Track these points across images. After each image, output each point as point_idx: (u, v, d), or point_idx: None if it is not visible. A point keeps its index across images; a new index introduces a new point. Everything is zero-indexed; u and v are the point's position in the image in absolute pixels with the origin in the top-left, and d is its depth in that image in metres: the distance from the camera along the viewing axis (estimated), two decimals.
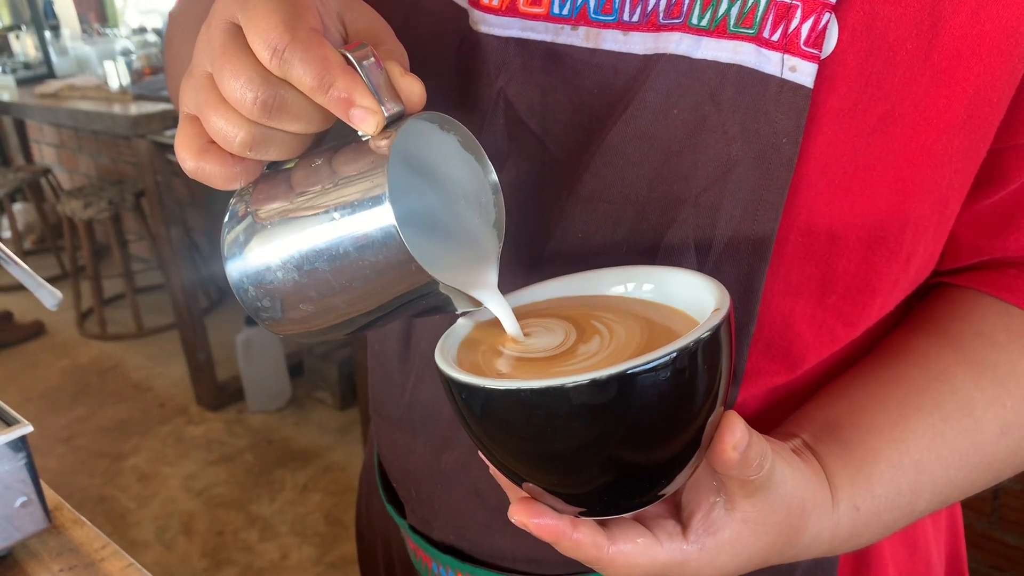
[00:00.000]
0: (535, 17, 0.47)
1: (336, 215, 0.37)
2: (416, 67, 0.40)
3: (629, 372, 0.32)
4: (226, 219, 0.42)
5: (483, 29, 0.48)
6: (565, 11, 0.46)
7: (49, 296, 0.69)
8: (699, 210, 0.44)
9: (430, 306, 0.41)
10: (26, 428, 0.67)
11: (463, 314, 0.44)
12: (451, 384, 0.36)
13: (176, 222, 2.66)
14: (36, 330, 3.64)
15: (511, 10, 0.47)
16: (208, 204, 3.67)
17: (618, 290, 0.44)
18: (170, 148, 2.54)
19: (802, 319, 0.47)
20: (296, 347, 2.97)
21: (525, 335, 0.41)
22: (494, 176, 0.43)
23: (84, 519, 0.73)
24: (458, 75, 0.49)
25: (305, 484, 2.46)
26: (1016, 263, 0.51)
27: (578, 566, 0.52)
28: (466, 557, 0.58)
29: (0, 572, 0.66)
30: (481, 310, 0.43)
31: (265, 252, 0.40)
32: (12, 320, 3.63)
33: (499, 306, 0.41)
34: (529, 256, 0.49)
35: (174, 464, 2.62)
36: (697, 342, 0.33)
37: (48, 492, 0.73)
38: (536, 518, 0.38)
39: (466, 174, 0.44)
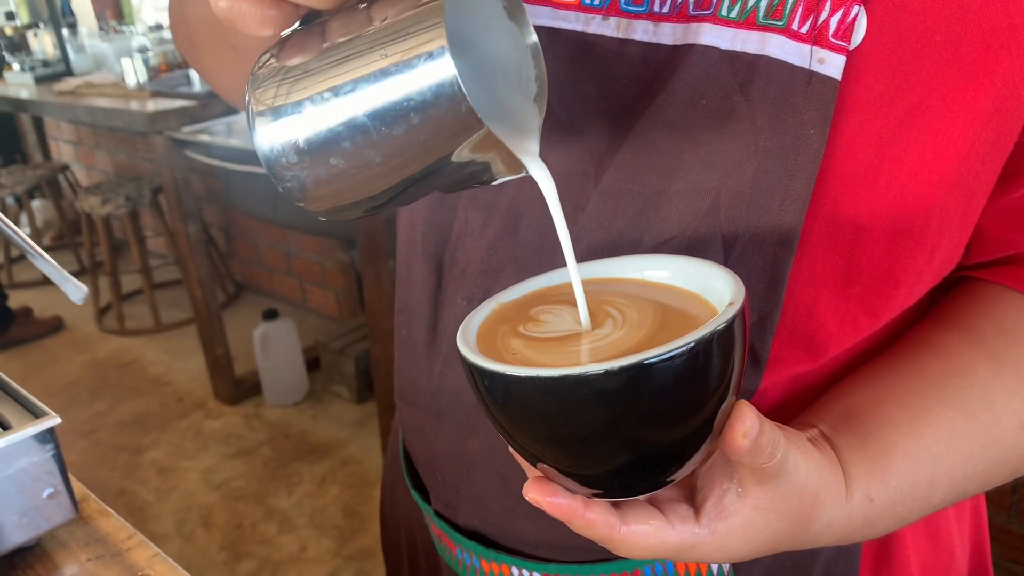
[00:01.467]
0: (566, 6, 0.47)
1: (385, 59, 0.34)
2: None
3: (645, 362, 0.32)
4: (254, 74, 0.39)
5: None
6: (596, 2, 0.46)
7: (75, 290, 0.70)
8: (725, 200, 0.44)
9: (468, 173, 0.38)
10: (54, 420, 0.68)
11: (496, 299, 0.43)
12: (471, 368, 0.37)
13: (193, 218, 2.68)
14: (55, 325, 3.67)
15: None
16: (226, 199, 3.69)
17: (633, 275, 0.44)
18: (188, 145, 2.56)
19: (826, 309, 0.47)
20: (313, 341, 2.99)
21: (539, 320, 0.42)
22: (534, 37, 0.41)
23: (110, 510, 0.74)
24: None
25: (323, 477, 2.48)
26: None
27: (601, 553, 0.52)
28: (490, 543, 0.58)
29: (29, 561, 0.67)
30: (503, 293, 0.44)
31: (300, 104, 0.37)
32: (32, 316, 3.66)
33: (540, 171, 0.40)
34: (553, 245, 0.49)
35: (193, 458, 2.64)
36: (712, 334, 0.33)
37: (75, 483, 0.74)
38: (550, 496, 0.39)
39: (507, 47, 0.42)
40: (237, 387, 2.93)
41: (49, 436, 0.69)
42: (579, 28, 0.47)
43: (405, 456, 0.69)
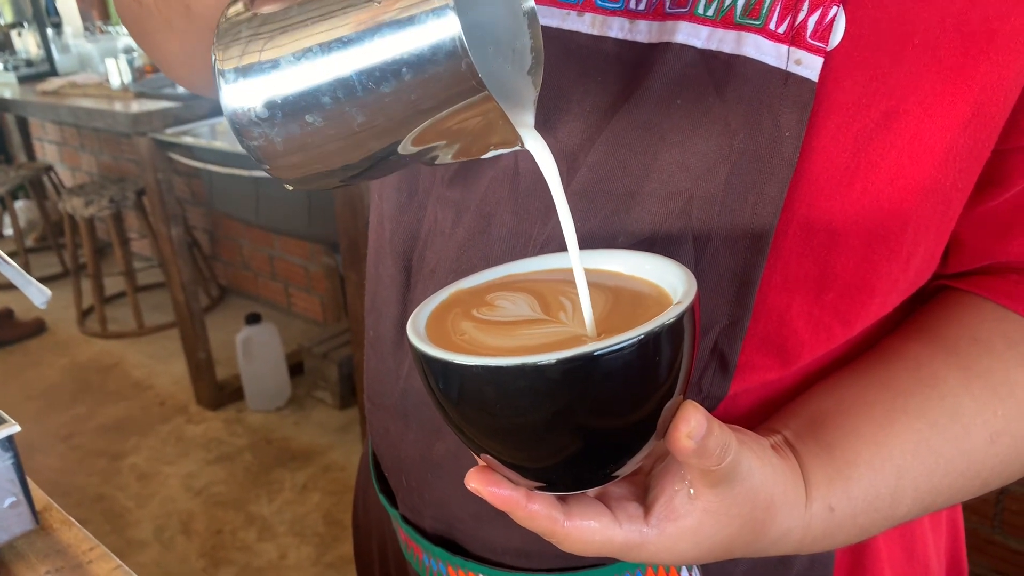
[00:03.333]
0: (542, 1, 0.46)
1: (379, 9, 0.31)
2: None
3: (594, 354, 0.32)
4: (222, 26, 0.36)
5: None
6: None
7: (38, 293, 0.68)
8: (698, 202, 0.43)
9: (456, 143, 0.36)
10: (13, 428, 0.66)
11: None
12: (415, 352, 0.37)
13: (177, 221, 2.65)
14: (37, 328, 3.64)
15: None
16: (209, 202, 3.67)
17: (594, 266, 0.44)
18: (171, 146, 2.54)
19: (799, 315, 0.47)
20: (296, 347, 2.97)
21: (494, 305, 0.41)
22: (531, 3, 0.39)
23: (73, 520, 0.72)
24: None
25: (304, 484, 2.46)
26: (1018, 268, 0.50)
27: (570, 560, 0.51)
28: (457, 549, 0.57)
29: None
30: (464, 279, 0.43)
31: (278, 51, 0.34)
32: (13, 318, 3.62)
33: (537, 143, 0.38)
34: (527, 248, 0.48)
35: (173, 463, 2.61)
36: (660, 328, 0.33)
37: (37, 493, 0.72)
38: (492, 487, 0.38)
39: (501, 12, 0.39)
40: (219, 392, 2.91)
41: (9, 444, 0.67)
42: (554, 24, 0.46)
43: (374, 459, 0.68)
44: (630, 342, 0.32)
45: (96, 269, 3.46)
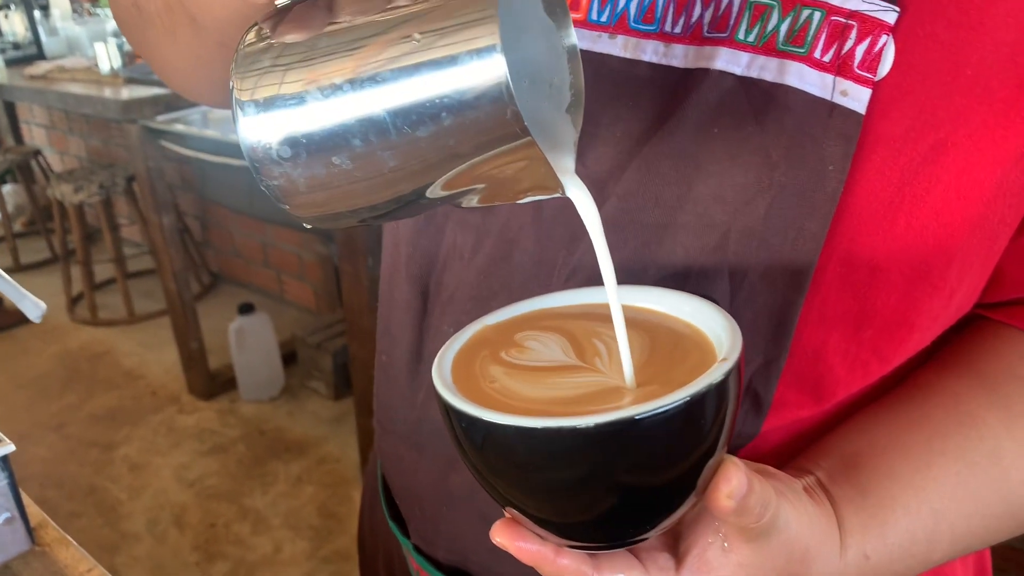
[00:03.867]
0: (572, 22, 0.44)
1: (418, 49, 0.29)
2: None
3: (635, 418, 0.30)
4: (240, 52, 0.33)
5: None
6: (604, 18, 0.43)
7: (33, 307, 0.66)
8: (735, 236, 0.41)
9: (490, 187, 0.33)
10: (8, 447, 0.64)
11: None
12: (439, 400, 0.35)
13: (167, 208, 2.61)
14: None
15: None
16: (200, 190, 3.62)
17: (633, 302, 0.42)
18: (162, 134, 2.50)
19: (835, 352, 0.45)
20: (290, 336, 2.94)
21: (523, 346, 0.39)
22: (574, 39, 0.36)
23: (70, 538, 0.70)
24: None
25: (299, 476, 2.44)
26: None
27: None
28: None
29: None
30: (490, 315, 0.41)
31: (302, 91, 0.31)
32: (2, 304, 3.58)
33: (579, 191, 0.35)
34: (551, 277, 0.46)
35: (166, 454, 2.59)
36: (707, 389, 0.31)
37: (32, 509, 0.70)
38: (519, 541, 0.37)
39: (540, 47, 0.37)
40: (212, 381, 2.88)
41: (3, 464, 0.64)
42: (584, 46, 0.44)
43: (384, 483, 0.66)
44: (674, 406, 0.31)
45: (86, 256, 3.42)
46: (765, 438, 0.48)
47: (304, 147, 0.32)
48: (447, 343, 0.40)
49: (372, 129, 0.30)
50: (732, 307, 0.42)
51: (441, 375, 0.36)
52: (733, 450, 0.47)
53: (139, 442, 2.67)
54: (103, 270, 3.71)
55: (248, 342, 2.74)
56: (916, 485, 0.45)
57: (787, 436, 0.49)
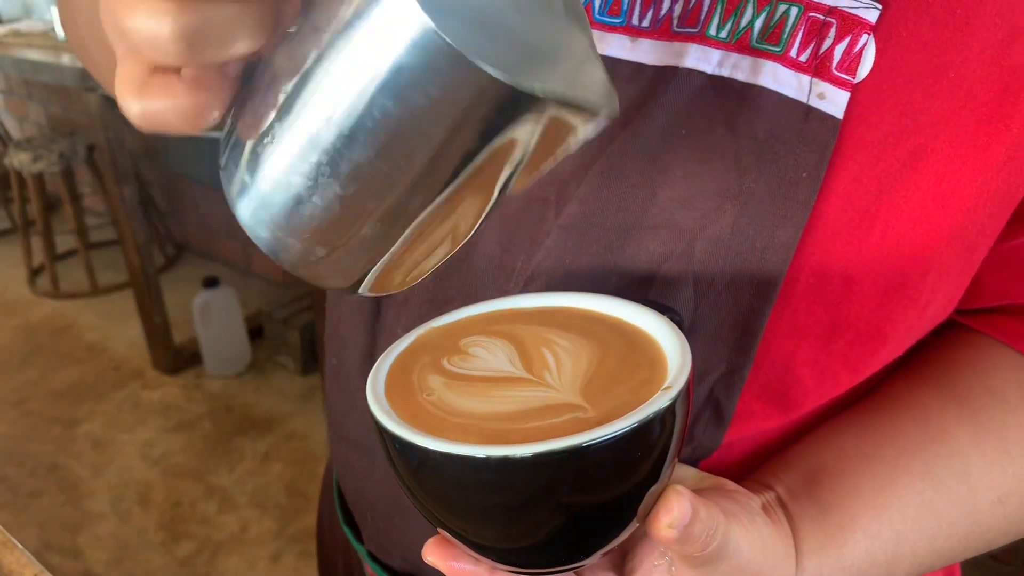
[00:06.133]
0: None
1: (352, 59, 0.25)
2: None
3: (582, 446, 0.29)
4: (222, 159, 0.32)
5: None
6: None
7: None
8: (701, 243, 0.39)
9: (536, 154, 0.30)
10: None
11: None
12: (371, 418, 0.34)
13: (129, 179, 2.54)
14: None
15: None
16: (164, 156, 3.54)
17: (580, 306, 0.40)
18: None
19: (804, 363, 0.43)
20: (255, 309, 2.89)
21: (468, 352, 0.38)
22: None
23: (15, 541, 0.67)
24: None
25: (266, 453, 2.41)
26: None
27: None
28: None
29: None
30: (438, 318, 0.40)
31: (281, 164, 0.29)
32: None
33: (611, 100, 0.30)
34: (509, 281, 0.44)
35: (130, 431, 2.55)
36: (654, 415, 0.30)
37: None
38: (452, 560, 0.36)
39: None
40: (176, 356, 2.83)
41: None
42: None
43: (339, 490, 0.63)
44: (615, 435, 0.29)
45: (46, 227, 3.33)
46: (730, 449, 0.46)
47: (305, 211, 0.31)
48: (387, 350, 0.38)
49: (364, 167, 0.27)
50: (695, 315, 0.40)
51: (375, 387, 0.35)
52: (695, 462, 0.45)
53: (102, 418, 2.62)
54: (64, 241, 3.62)
55: (213, 317, 2.69)
56: (879, 505, 0.43)
57: (753, 447, 0.48)
